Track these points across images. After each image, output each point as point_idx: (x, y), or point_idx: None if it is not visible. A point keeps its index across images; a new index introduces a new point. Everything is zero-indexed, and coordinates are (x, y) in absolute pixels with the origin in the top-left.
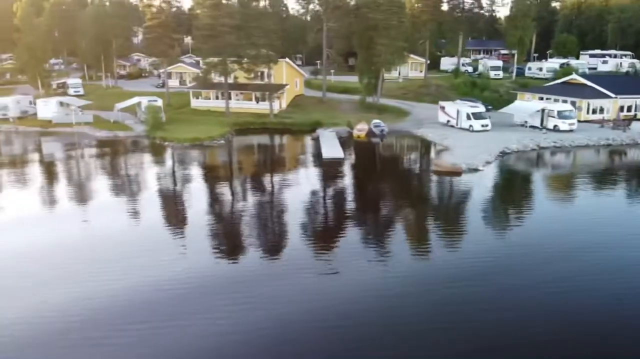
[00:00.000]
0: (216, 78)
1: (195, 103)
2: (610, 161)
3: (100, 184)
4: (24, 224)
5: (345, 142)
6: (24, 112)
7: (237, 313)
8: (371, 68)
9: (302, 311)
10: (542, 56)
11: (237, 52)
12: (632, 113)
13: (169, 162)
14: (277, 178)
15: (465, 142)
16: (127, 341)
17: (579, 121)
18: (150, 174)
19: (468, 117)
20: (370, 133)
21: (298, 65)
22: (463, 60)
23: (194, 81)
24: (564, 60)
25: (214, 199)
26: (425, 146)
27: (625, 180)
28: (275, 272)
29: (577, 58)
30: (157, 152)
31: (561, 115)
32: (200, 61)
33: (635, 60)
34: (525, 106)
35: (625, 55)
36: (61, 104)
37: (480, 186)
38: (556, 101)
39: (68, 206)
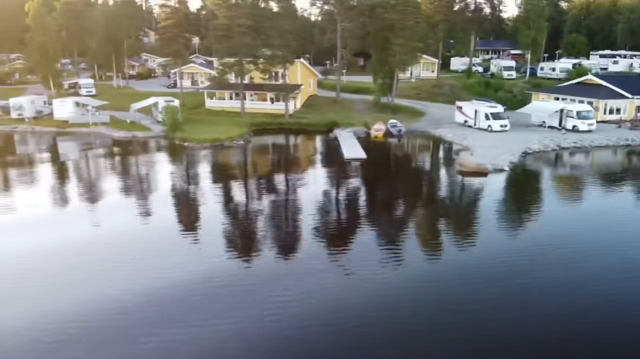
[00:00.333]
0: (232, 79)
1: (209, 103)
2: (630, 161)
3: (129, 184)
4: (60, 222)
5: (363, 142)
6: (39, 112)
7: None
8: (385, 68)
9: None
10: (552, 56)
11: (253, 53)
12: None
13: (192, 163)
14: (305, 179)
15: (485, 142)
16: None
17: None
18: (177, 175)
19: (487, 118)
20: (387, 133)
21: None
22: (474, 60)
23: (208, 81)
24: (576, 61)
25: (250, 199)
26: (444, 146)
27: None
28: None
29: (588, 58)
30: (178, 153)
31: (580, 115)
32: (215, 61)
33: None
34: (543, 106)
35: (636, 56)
36: (77, 104)
37: (509, 186)
38: (572, 101)
39: (108, 202)
